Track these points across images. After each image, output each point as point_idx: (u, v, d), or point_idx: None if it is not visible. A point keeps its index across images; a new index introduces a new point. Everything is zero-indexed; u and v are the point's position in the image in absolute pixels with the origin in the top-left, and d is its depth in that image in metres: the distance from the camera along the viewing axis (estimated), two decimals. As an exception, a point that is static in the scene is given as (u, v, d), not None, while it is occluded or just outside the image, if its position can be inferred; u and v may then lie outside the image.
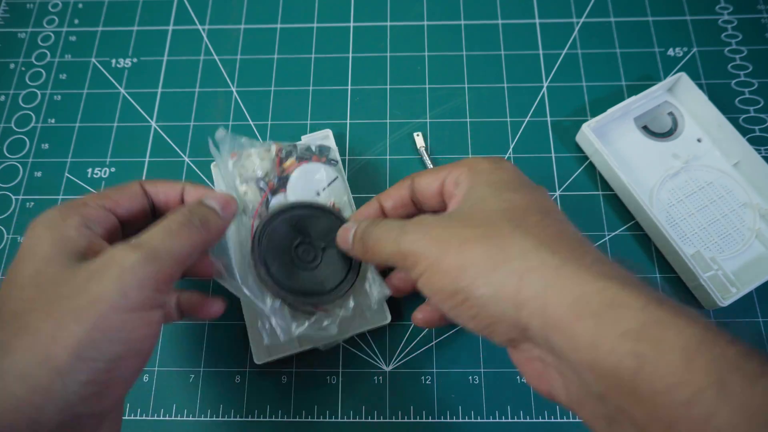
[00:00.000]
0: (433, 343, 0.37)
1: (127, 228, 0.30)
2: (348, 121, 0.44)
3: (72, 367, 0.21)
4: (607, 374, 0.20)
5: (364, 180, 0.41)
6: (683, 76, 0.41)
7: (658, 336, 0.19)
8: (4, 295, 0.24)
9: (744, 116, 0.43)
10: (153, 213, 0.31)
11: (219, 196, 0.30)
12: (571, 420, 0.35)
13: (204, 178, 0.42)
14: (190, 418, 0.35)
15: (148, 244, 0.25)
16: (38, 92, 0.46)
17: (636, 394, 0.19)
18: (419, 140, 0.42)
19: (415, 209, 0.33)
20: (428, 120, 0.43)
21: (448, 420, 0.35)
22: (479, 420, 0.35)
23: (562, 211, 0.27)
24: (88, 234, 0.26)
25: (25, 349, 0.21)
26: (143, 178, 0.42)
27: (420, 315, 0.32)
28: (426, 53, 0.46)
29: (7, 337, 0.22)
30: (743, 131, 0.41)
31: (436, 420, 0.35)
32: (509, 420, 0.35)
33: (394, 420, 0.35)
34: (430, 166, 0.41)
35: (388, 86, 0.45)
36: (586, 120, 0.40)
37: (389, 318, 0.35)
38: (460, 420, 0.35)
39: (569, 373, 0.22)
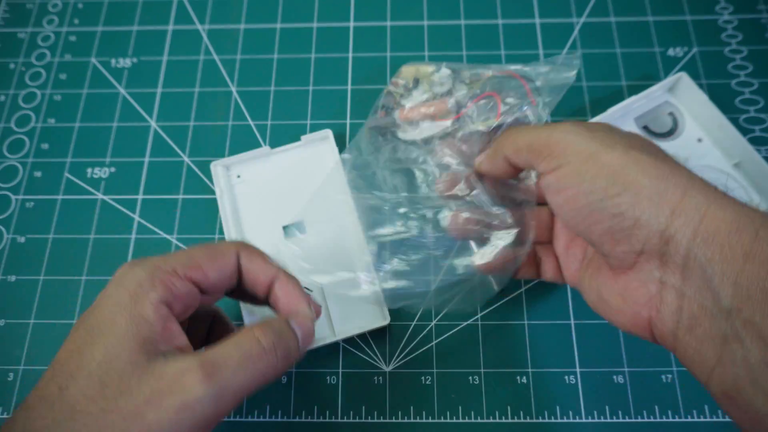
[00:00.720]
0: (433, 343, 0.37)
1: (203, 294, 0.28)
2: (348, 121, 0.44)
3: None
4: (753, 285, 0.20)
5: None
6: (683, 76, 0.41)
7: None
8: (71, 374, 0.23)
9: (744, 116, 0.43)
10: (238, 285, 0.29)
11: (303, 321, 0.27)
12: (571, 420, 0.35)
13: (204, 177, 0.42)
14: (190, 419, 0.35)
15: (222, 374, 0.23)
16: (38, 92, 0.46)
17: None
18: None
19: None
20: (428, 120, 0.43)
21: (448, 420, 0.35)
22: (479, 420, 0.35)
23: None
24: (165, 316, 0.24)
25: None
26: (143, 178, 0.42)
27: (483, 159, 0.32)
28: (426, 53, 0.46)
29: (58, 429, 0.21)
30: (744, 131, 0.41)
31: (436, 420, 0.35)
32: (509, 420, 0.35)
33: (394, 420, 0.35)
34: None
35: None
36: (587, 120, 0.40)
37: (388, 319, 0.35)
38: (460, 420, 0.35)
39: (694, 291, 0.22)
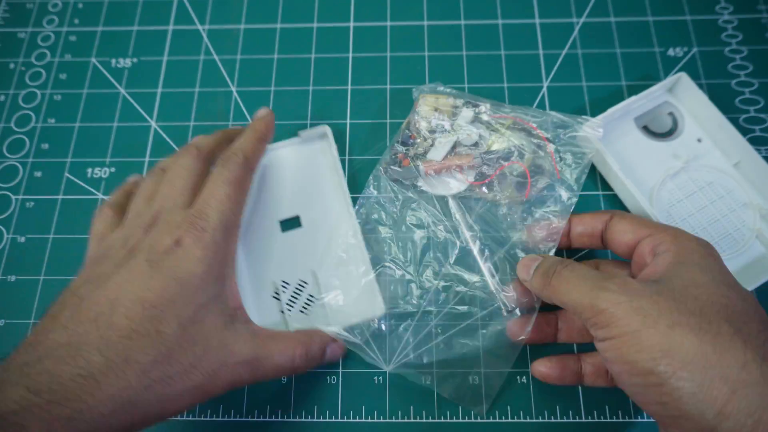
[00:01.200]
0: (433, 343, 0.37)
1: None
2: (348, 121, 0.44)
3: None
4: None
5: (363, 180, 0.41)
6: (683, 76, 0.41)
7: None
8: (162, 315, 0.26)
9: (744, 116, 0.43)
10: None
11: (335, 349, 0.35)
12: (570, 420, 0.35)
13: (204, 178, 0.42)
14: (190, 418, 0.35)
15: (257, 372, 0.30)
16: (38, 92, 0.46)
17: None
18: None
19: (602, 245, 0.33)
20: (428, 120, 0.43)
21: (448, 420, 0.35)
22: (479, 420, 0.35)
23: None
24: (235, 289, 0.32)
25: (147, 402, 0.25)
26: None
27: (543, 369, 0.33)
28: (426, 53, 0.46)
29: (153, 378, 0.25)
30: (743, 131, 0.41)
31: (436, 420, 0.35)
32: (509, 420, 0.35)
33: (394, 420, 0.35)
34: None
35: (388, 86, 0.45)
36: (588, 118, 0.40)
37: (383, 309, 0.35)
38: (460, 420, 0.35)
39: None
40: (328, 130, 0.40)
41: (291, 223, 0.39)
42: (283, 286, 0.37)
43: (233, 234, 0.32)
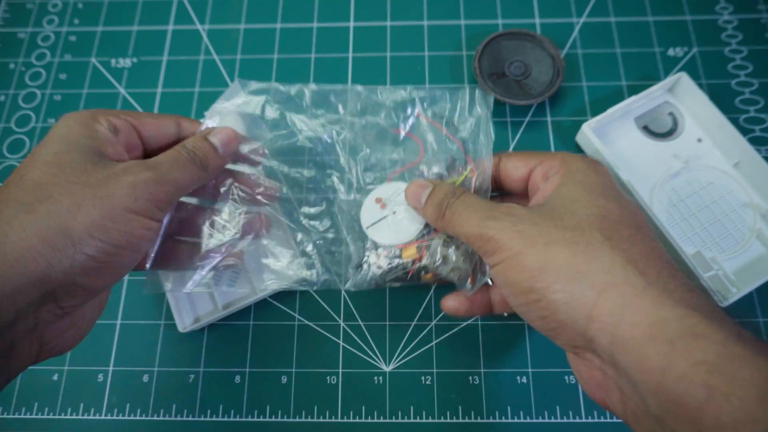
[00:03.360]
0: (433, 343, 0.37)
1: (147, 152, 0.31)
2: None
3: (83, 241, 0.24)
4: (671, 400, 0.20)
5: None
6: (683, 76, 0.41)
7: (733, 371, 0.19)
8: (27, 165, 0.26)
9: (744, 116, 0.43)
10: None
11: (221, 133, 0.31)
12: (570, 420, 0.35)
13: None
14: (190, 418, 0.35)
15: (159, 169, 0.27)
16: (38, 92, 0.46)
17: (697, 424, 0.19)
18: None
19: (495, 187, 0.32)
20: (428, 120, 0.43)
21: (448, 420, 0.35)
22: (479, 420, 0.35)
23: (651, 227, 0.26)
24: (113, 139, 0.28)
25: (47, 214, 0.24)
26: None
27: (452, 303, 0.32)
28: (426, 53, 0.46)
29: (30, 200, 0.24)
30: (743, 131, 0.41)
31: (436, 420, 0.35)
32: (509, 420, 0.35)
33: (394, 420, 0.35)
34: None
35: (388, 86, 0.44)
36: (587, 120, 0.40)
37: (316, 270, 0.35)
38: (461, 420, 0.35)
39: (629, 390, 0.22)
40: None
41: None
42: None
43: None
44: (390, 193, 0.34)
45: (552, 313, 0.24)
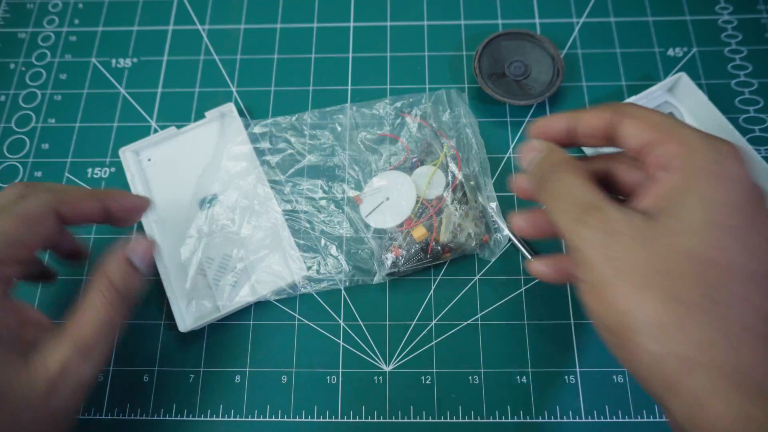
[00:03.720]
0: (433, 343, 0.37)
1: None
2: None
3: None
4: None
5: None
6: (683, 76, 0.41)
7: None
8: None
9: (744, 116, 0.43)
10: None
11: (140, 249, 0.31)
12: (570, 420, 0.35)
13: (204, 178, 0.42)
14: (190, 418, 0.35)
15: (95, 350, 0.27)
16: (38, 92, 0.46)
17: None
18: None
19: (608, 144, 0.26)
20: (428, 120, 0.43)
21: (448, 420, 0.35)
22: (479, 420, 0.35)
23: None
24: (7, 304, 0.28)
25: None
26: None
27: (543, 268, 0.29)
28: (426, 53, 0.46)
29: None
30: (743, 131, 0.41)
31: (436, 420, 0.35)
32: (509, 420, 0.35)
33: (394, 420, 0.35)
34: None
35: (388, 86, 0.45)
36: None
37: (305, 270, 0.38)
38: (460, 420, 0.35)
39: None
40: (232, 107, 0.42)
41: (209, 201, 0.40)
42: (208, 262, 0.38)
43: None
44: (380, 184, 0.39)
45: (630, 365, 0.22)
